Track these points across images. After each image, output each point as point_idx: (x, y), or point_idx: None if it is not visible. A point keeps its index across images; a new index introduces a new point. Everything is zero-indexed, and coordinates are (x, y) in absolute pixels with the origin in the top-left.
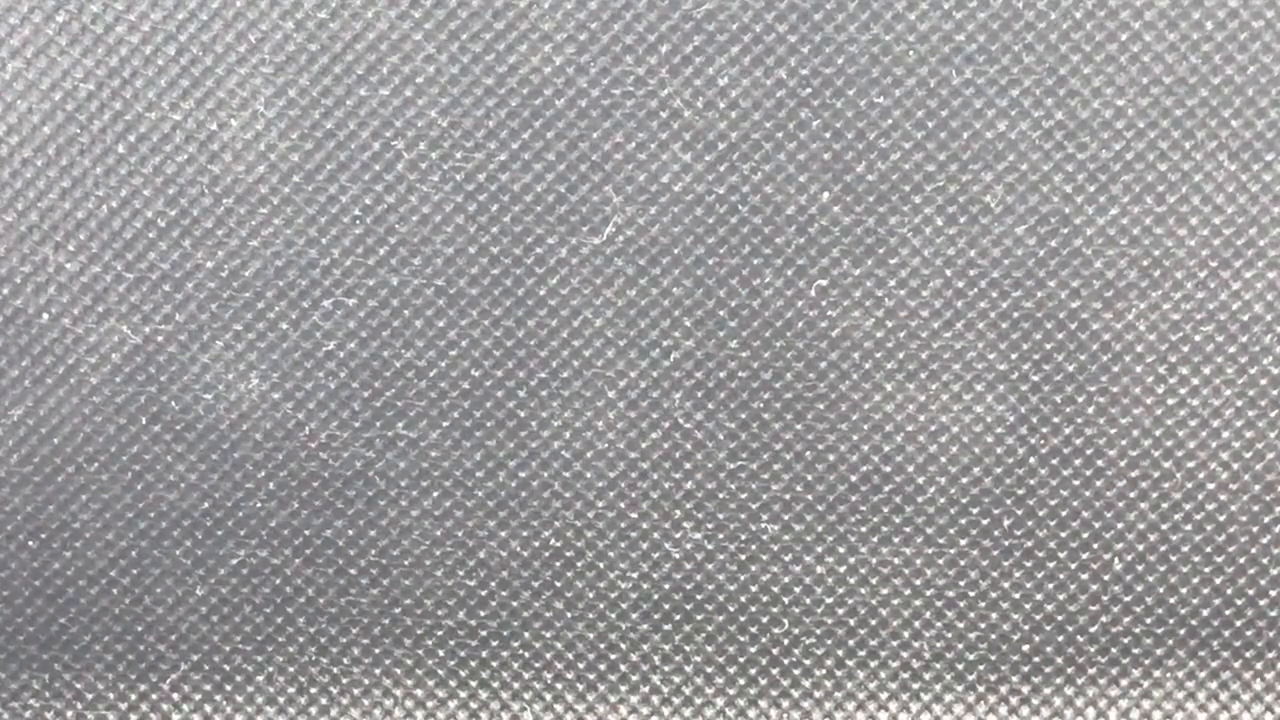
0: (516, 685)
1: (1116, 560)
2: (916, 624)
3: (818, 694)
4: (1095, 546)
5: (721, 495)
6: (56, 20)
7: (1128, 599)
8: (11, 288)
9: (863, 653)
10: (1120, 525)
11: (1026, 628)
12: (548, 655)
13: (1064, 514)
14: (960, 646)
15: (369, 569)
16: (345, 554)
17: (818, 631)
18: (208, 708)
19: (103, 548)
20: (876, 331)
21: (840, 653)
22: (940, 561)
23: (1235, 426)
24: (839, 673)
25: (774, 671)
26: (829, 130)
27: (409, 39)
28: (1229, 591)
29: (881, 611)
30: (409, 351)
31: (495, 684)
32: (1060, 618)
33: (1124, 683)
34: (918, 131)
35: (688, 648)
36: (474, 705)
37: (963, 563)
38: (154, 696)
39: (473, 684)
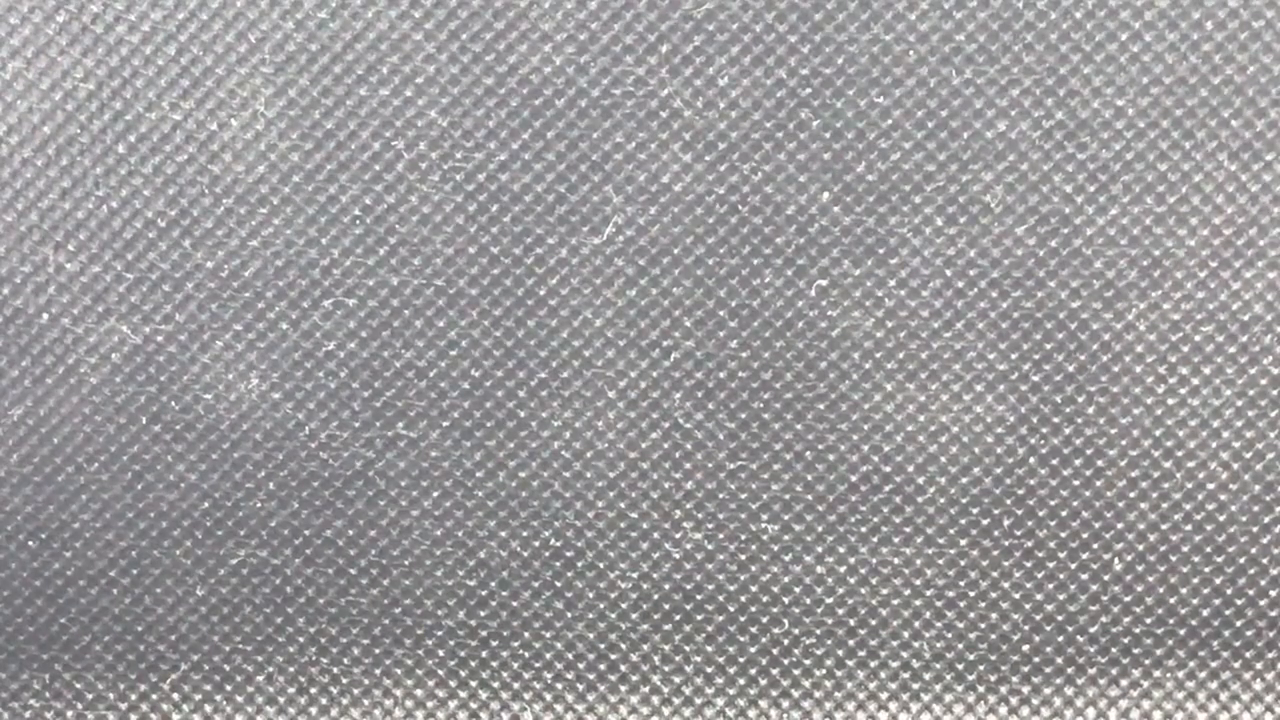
0: (516, 685)
1: (1116, 560)
2: (916, 624)
3: (818, 694)
4: (1095, 546)
5: (721, 495)
6: (56, 20)
7: (1128, 599)
8: (11, 288)
9: (863, 653)
10: (1120, 525)
11: (1026, 628)
12: (548, 655)
13: (1064, 514)
14: (960, 646)
15: (369, 569)
16: (345, 554)
17: (818, 631)
18: (208, 708)
19: (103, 548)
20: (876, 331)
21: (840, 653)
22: (940, 561)
23: (1235, 426)
24: (839, 673)
25: (774, 671)
26: (829, 130)
27: (409, 39)
28: (1229, 591)
29: (881, 611)
30: (409, 351)
31: (495, 684)
32: (1060, 618)
33: (1124, 683)
34: (918, 131)
35: (688, 648)
36: (474, 705)
37: (963, 563)
38: (154, 696)
39: (473, 684)
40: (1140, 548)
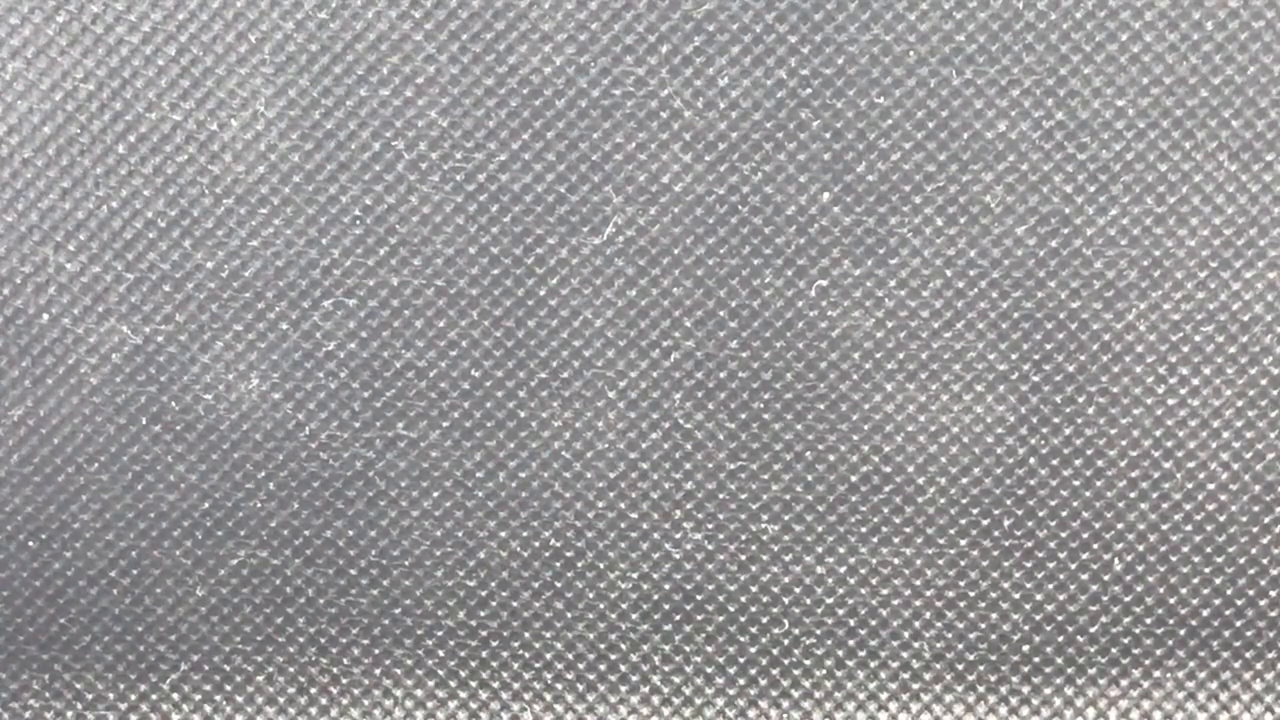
0: (516, 685)
1: (1116, 560)
2: (916, 624)
3: (818, 694)
4: (1095, 546)
5: (721, 495)
6: (56, 20)
7: (1128, 599)
8: (11, 288)
9: (863, 653)
10: (1120, 525)
11: (1026, 628)
12: (548, 655)
13: (1064, 514)
14: (960, 646)
15: (369, 569)
16: (345, 554)
17: (818, 631)
18: (208, 708)
19: (103, 548)
20: (876, 331)
21: (840, 653)
22: (940, 561)
23: (1235, 426)
24: (839, 673)
25: (774, 671)
26: (829, 130)
27: (409, 39)
28: (1229, 591)
29: (881, 611)
30: (409, 351)
31: (495, 684)
32: (1060, 618)
33: (1124, 683)
34: (918, 131)
35: (688, 648)
36: (474, 705)
37: (963, 563)
38: (154, 696)
39: (473, 684)
40: (1140, 548)
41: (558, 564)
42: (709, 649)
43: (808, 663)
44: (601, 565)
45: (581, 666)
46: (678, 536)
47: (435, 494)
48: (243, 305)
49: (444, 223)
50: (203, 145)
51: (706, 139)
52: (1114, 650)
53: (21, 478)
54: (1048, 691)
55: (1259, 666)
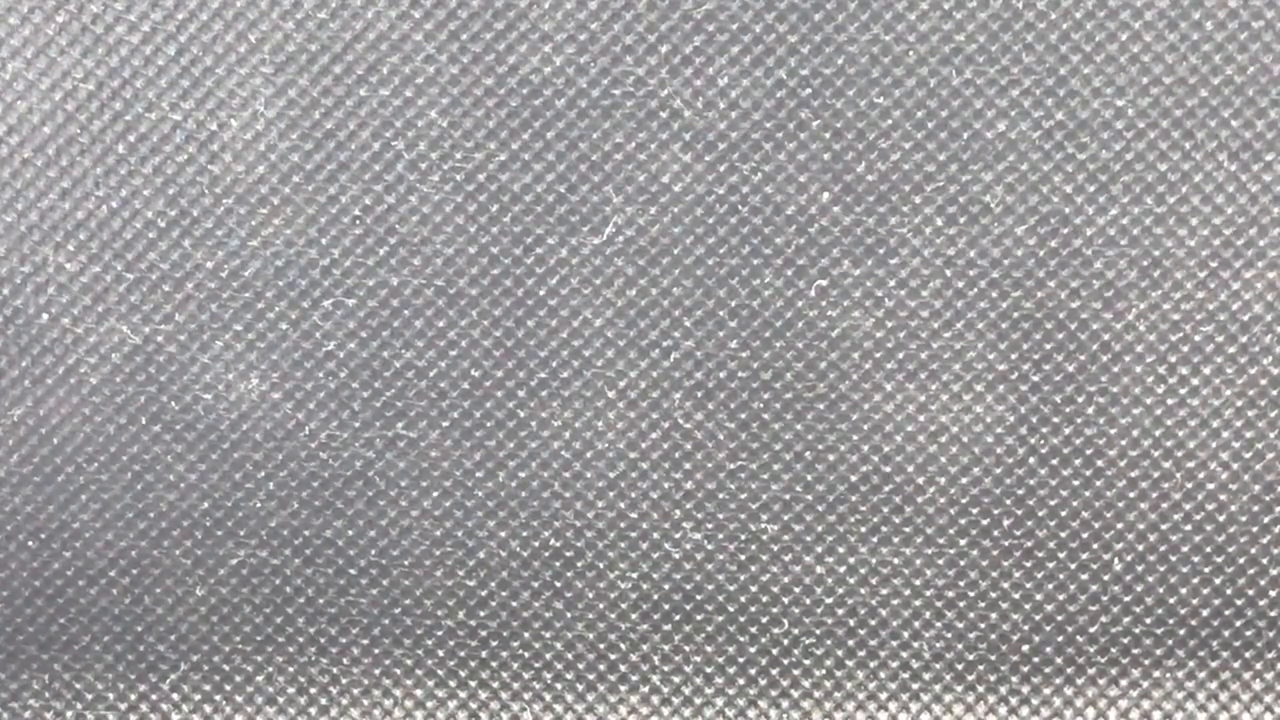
0: (516, 685)
1: (1116, 560)
2: (916, 624)
3: (818, 694)
4: (1095, 546)
5: (721, 495)
6: (56, 20)
7: (1128, 599)
8: (11, 288)
9: (863, 653)
10: (1120, 525)
11: (1026, 628)
12: (548, 655)
13: (1064, 514)
14: (960, 646)
15: (369, 569)
16: (345, 554)
17: (818, 631)
18: (208, 708)
19: (103, 548)
20: (876, 331)
21: (840, 653)
22: (940, 561)
23: (1235, 426)
24: (839, 673)
25: (774, 671)
26: (829, 130)
27: (409, 39)
28: (1229, 591)
29: (881, 611)
30: (409, 351)
31: (495, 684)
32: (1060, 618)
33: (1124, 683)
34: (918, 131)
35: (688, 648)
36: (474, 705)
37: (963, 563)
38: (154, 696)
39: (473, 684)
40: (1140, 548)
41: (558, 564)
42: (709, 649)
43: (808, 663)
44: (601, 565)
45: (581, 666)
46: (678, 536)
47: (435, 494)
48: (243, 305)
49: (444, 223)
50: (203, 145)
51: (706, 139)
52: (1114, 650)
53: (21, 478)
54: (1048, 691)
55: (1259, 666)
